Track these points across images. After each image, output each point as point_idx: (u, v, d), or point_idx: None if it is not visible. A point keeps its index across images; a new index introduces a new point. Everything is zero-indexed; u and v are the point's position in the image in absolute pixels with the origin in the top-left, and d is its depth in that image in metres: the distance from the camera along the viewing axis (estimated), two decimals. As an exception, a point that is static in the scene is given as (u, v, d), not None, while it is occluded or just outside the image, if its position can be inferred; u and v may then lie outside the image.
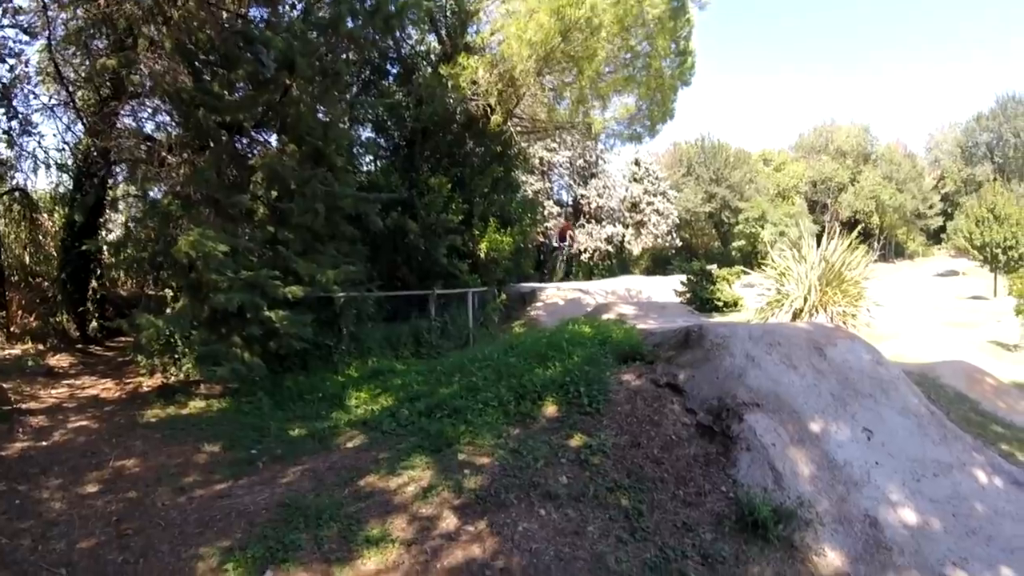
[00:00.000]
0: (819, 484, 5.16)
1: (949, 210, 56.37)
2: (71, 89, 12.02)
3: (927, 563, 4.55)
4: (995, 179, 49.88)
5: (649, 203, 39.57)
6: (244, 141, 10.63)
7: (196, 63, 10.01)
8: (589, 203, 35.76)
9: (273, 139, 11.06)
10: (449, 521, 4.86)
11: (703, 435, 5.77)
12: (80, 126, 12.41)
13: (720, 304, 17.52)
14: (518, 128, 17.29)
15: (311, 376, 9.66)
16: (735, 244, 49.05)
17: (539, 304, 17.07)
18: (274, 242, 9.80)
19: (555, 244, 26.14)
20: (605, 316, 12.92)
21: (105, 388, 9.79)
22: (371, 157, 15.67)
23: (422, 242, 13.37)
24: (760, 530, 4.67)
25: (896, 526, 4.84)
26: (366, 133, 16.14)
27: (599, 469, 5.41)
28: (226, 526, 5.02)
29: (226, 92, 9.68)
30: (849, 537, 4.74)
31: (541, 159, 32.26)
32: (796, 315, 11.53)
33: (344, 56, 12.05)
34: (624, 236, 38.18)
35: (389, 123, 15.57)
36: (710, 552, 4.51)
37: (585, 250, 34.57)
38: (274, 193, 10.18)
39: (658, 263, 41.97)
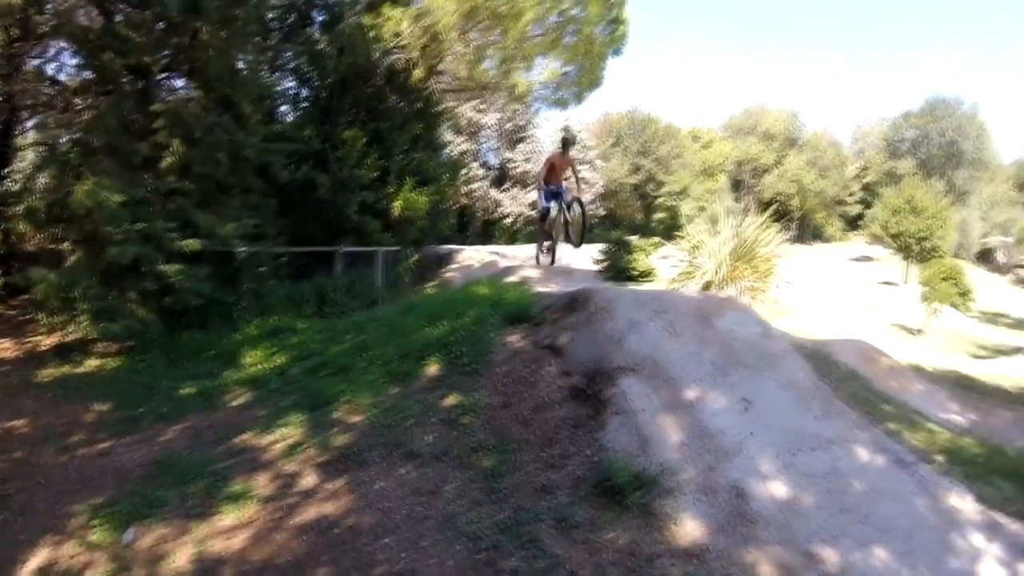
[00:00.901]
0: (687, 452, 5.05)
1: (868, 199, 58.09)
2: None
3: (794, 539, 4.36)
4: (916, 173, 51.59)
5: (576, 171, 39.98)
6: (151, 86, 10.11)
7: (105, 3, 9.52)
8: (516, 167, 35.75)
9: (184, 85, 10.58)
10: (310, 478, 4.94)
11: (576, 398, 5.76)
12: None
13: (635, 274, 17.85)
14: (443, 86, 16.97)
15: (209, 334, 9.45)
16: (657, 216, 50.04)
17: (455, 266, 17.08)
18: (176, 193, 9.43)
19: (543, 201, 11.05)
20: (509, 279, 12.92)
21: (3, 348, 9.38)
22: (289, 108, 15.14)
23: (333, 197, 13.03)
24: (617, 496, 4.56)
25: (764, 499, 4.66)
26: (289, 83, 15.53)
27: (467, 429, 5.42)
28: (101, 484, 5.12)
29: (135, 34, 9.20)
30: (712, 507, 4.57)
31: (470, 120, 31.95)
32: (707, 287, 11.81)
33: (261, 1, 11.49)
34: (549, 202, 38.52)
35: (312, 73, 14.96)
36: (565, 515, 4.46)
37: (508, 215, 34.77)
38: (176, 141, 9.75)
39: (581, 231, 42.49)
